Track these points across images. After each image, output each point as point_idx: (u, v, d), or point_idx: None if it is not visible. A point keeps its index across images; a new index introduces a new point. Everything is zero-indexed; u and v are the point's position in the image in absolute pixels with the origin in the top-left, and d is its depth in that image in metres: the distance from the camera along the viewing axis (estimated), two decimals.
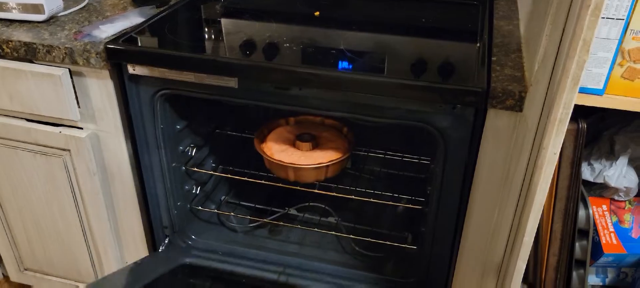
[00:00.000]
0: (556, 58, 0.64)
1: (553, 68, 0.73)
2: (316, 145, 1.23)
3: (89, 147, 1.13)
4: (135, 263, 1.15)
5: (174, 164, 1.20)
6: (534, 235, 0.69)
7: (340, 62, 0.97)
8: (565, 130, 0.59)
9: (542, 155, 0.62)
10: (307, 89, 0.96)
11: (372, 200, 1.21)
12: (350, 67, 0.96)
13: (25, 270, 1.49)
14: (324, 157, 1.18)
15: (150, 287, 1.08)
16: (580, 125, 0.91)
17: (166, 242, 1.27)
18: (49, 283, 1.50)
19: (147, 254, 1.30)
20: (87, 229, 1.29)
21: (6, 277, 1.59)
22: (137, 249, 1.32)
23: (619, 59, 0.80)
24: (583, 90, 0.83)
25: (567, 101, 0.57)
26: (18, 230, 1.39)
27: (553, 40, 0.68)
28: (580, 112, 0.91)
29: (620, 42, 0.79)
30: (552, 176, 0.64)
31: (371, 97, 0.93)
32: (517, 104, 0.86)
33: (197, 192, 1.34)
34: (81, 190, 1.21)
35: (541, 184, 0.63)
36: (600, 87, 0.82)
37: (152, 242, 1.29)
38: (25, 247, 1.42)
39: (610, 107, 0.83)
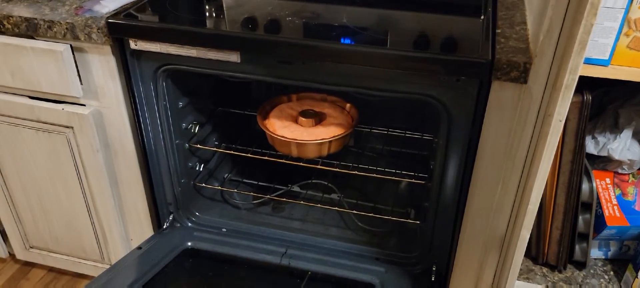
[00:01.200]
0: (562, 26, 0.63)
1: (559, 37, 0.72)
2: (319, 121, 1.22)
3: (92, 124, 1.13)
4: (141, 249, 1.15)
5: (177, 141, 1.20)
6: (538, 204, 0.69)
7: (342, 37, 0.97)
8: (571, 96, 0.59)
9: (547, 123, 0.62)
10: (310, 62, 0.95)
11: (374, 175, 1.21)
12: (353, 41, 0.95)
13: (31, 247, 1.50)
14: (327, 133, 1.18)
15: (157, 277, 1.08)
16: (585, 97, 0.91)
17: (170, 218, 1.28)
18: (55, 260, 1.51)
19: (152, 231, 1.31)
20: (91, 206, 1.30)
21: (12, 255, 1.60)
22: (141, 226, 1.32)
23: (625, 29, 0.79)
24: (588, 61, 0.82)
25: (574, 66, 0.57)
26: (23, 208, 1.40)
27: (559, 8, 0.68)
28: (585, 85, 0.91)
29: (627, 11, 0.78)
30: (557, 145, 0.63)
31: (374, 70, 0.92)
32: (521, 76, 0.86)
33: (201, 169, 1.35)
34: (85, 168, 1.22)
35: (546, 152, 0.63)
36: (606, 57, 0.81)
37: (157, 218, 1.30)
38: (30, 224, 1.43)
39: (616, 78, 0.83)
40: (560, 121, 0.61)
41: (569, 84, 0.58)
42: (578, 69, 0.57)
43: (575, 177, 1.00)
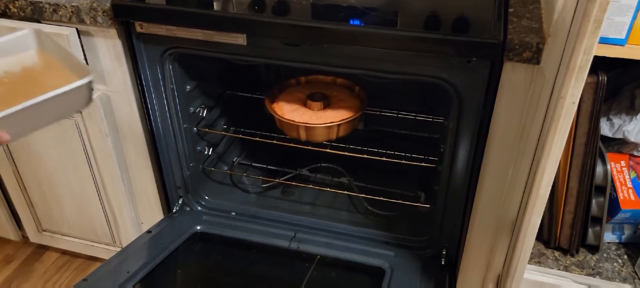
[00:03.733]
0: (577, 4, 0.61)
1: (573, 16, 0.70)
2: (327, 104, 1.21)
3: (100, 108, 1.13)
4: (151, 233, 1.16)
5: (185, 125, 1.20)
6: (550, 189, 0.67)
7: (351, 18, 0.95)
8: (585, 77, 0.57)
9: (560, 105, 0.60)
10: (317, 44, 0.93)
11: (384, 159, 1.20)
12: (361, 22, 0.93)
13: (44, 231, 1.52)
14: (336, 116, 1.16)
15: (167, 261, 1.09)
16: (600, 78, 0.88)
17: (180, 202, 1.28)
18: (67, 243, 1.53)
19: (162, 215, 1.32)
20: (101, 190, 1.30)
21: (25, 238, 1.63)
22: (151, 209, 1.33)
23: None
24: (604, 41, 0.79)
25: (588, 46, 0.54)
26: (35, 193, 1.41)
27: None
28: (600, 65, 0.88)
29: None
30: (569, 128, 0.61)
31: (384, 52, 0.90)
32: (534, 56, 0.83)
33: (209, 153, 1.34)
34: (94, 152, 1.22)
35: (558, 135, 0.61)
36: (623, 36, 0.79)
37: (166, 202, 1.30)
38: (42, 208, 1.45)
39: (633, 58, 0.80)
40: (574, 103, 0.59)
41: (583, 64, 0.56)
42: (593, 49, 0.55)
43: (589, 159, 0.98)
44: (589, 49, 0.55)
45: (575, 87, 0.58)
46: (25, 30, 0.82)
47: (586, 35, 0.54)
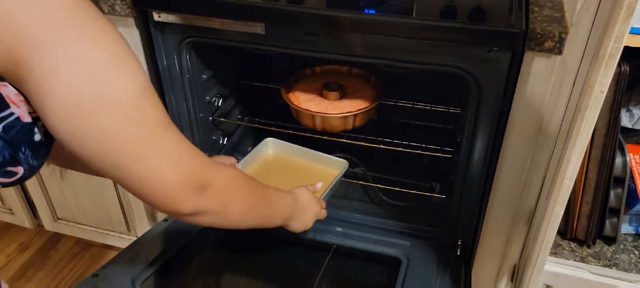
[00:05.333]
0: None
1: (599, 4, 0.69)
2: (343, 94, 1.21)
3: None
4: (167, 221, 1.16)
5: (201, 114, 1.20)
6: (574, 179, 0.67)
7: (366, 7, 0.94)
8: (614, 66, 0.56)
9: (587, 94, 0.60)
10: (337, 33, 0.93)
11: (400, 149, 1.20)
12: (379, 11, 0.92)
13: (59, 219, 1.54)
14: (352, 106, 1.16)
15: (184, 250, 1.09)
16: (623, 68, 0.87)
17: None
18: (82, 232, 1.54)
19: None
20: None
21: (40, 227, 1.64)
22: None
23: None
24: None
25: (619, 34, 0.54)
26: (50, 181, 1.42)
27: None
28: (621, 55, 0.87)
29: None
30: (596, 117, 0.61)
31: (405, 41, 0.90)
32: (556, 46, 0.83)
33: (224, 143, 1.35)
34: None
35: (585, 125, 0.61)
36: None
37: None
38: (58, 197, 1.46)
39: None
40: (602, 92, 0.58)
41: (613, 52, 0.56)
42: (624, 36, 0.54)
43: (608, 150, 0.98)
44: (620, 37, 0.54)
45: (604, 75, 0.57)
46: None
47: (618, 22, 0.53)
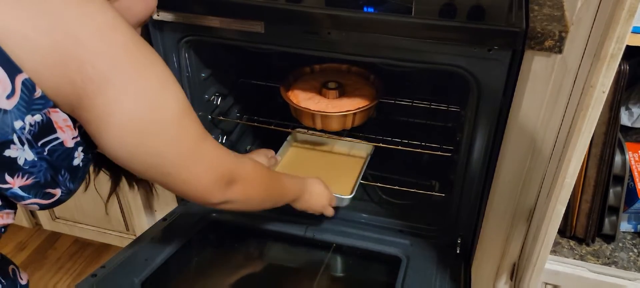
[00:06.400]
0: None
1: (599, 3, 0.69)
2: (343, 93, 1.21)
3: None
4: (166, 221, 1.16)
5: (200, 113, 1.20)
6: (575, 178, 0.67)
7: (365, 6, 0.94)
8: (616, 66, 0.56)
9: (588, 94, 0.60)
10: (336, 32, 0.93)
11: (399, 148, 1.20)
12: (378, 10, 0.92)
13: (57, 218, 1.53)
14: (351, 105, 1.16)
15: (183, 249, 1.09)
16: (622, 67, 0.88)
17: None
18: (81, 231, 1.54)
19: (176, 203, 1.32)
20: None
21: (38, 226, 1.64)
22: (165, 197, 1.33)
23: None
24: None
25: (621, 34, 0.54)
26: None
27: None
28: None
29: None
30: (598, 117, 0.61)
31: (405, 40, 0.90)
32: (556, 45, 0.82)
33: (223, 141, 1.34)
34: None
35: (586, 124, 0.61)
36: None
37: None
38: None
39: None
40: (604, 92, 0.58)
41: (615, 53, 0.56)
42: (626, 37, 0.54)
43: (608, 149, 0.98)
44: (621, 38, 0.54)
45: (606, 76, 0.57)
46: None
47: (620, 23, 0.53)
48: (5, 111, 0.49)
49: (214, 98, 1.27)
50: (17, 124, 0.51)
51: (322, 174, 1.09)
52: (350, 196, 1.13)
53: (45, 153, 0.55)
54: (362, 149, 1.29)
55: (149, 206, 1.37)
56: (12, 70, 0.48)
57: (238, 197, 0.74)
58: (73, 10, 0.51)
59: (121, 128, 0.55)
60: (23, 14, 0.49)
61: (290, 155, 1.31)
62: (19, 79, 0.49)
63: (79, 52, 0.51)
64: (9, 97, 0.49)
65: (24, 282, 0.69)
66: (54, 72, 0.51)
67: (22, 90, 0.50)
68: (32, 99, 0.51)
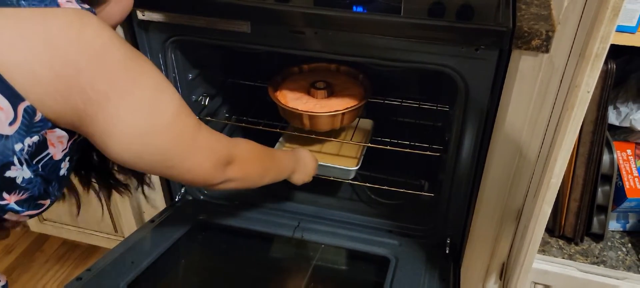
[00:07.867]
0: None
1: (585, 3, 0.69)
2: (331, 92, 1.20)
3: None
4: (153, 222, 1.15)
5: None
6: (562, 178, 0.67)
7: (354, 5, 0.93)
8: (601, 66, 0.56)
9: (573, 94, 0.59)
10: (322, 32, 0.92)
11: (388, 148, 1.19)
12: (366, 9, 0.92)
13: (45, 220, 1.51)
14: (340, 105, 1.15)
15: (171, 250, 1.08)
16: (609, 66, 0.87)
17: (182, 191, 1.27)
18: (69, 232, 1.52)
19: (164, 204, 1.31)
20: None
21: (26, 228, 1.62)
22: (154, 199, 1.32)
23: None
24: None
25: (605, 34, 0.54)
26: None
27: None
28: (608, 53, 0.87)
29: None
30: (583, 117, 0.61)
31: (393, 40, 0.89)
32: (543, 44, 0.82)
33: None
34: None
35: (572, 124, 0.61)
36: (634, 24, 0.78)
37: (169, 191, 1.29)
38: None
39: None
40: (588, 92, 0.58)
41: (599, 53, 0.55)
42: (610, 37, 0.54)
43: (596, 148, 0.98)
44: (606, 37, 0.54)
45: (590, 75, 0.57)
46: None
47: (604, 22, 0.53)
48: (7, 137, 0.52)
49: (202, 99, 1.25)
50: (17, 146, 0.53)
51: (326, 158, 1.18)
52: (356, 168, 1.18)
53: (39, 170, 0.58)
54: (365, 124, 1.33)
55: (137, 208, 1.36)
56: (16, 100, 0.51)
57: (237, 175, 0.79)
58: (73, 38, 0.53)
59: (124, 136, 0.59)
60: (25, 45, 0.51)
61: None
62: (21, 107, 0.52)
63: (79, 79, 0.53)
64: (11, 123, 0.52)
65: (2, 282, 0.71)
66: (57, 98, 0.53)
67: (23, 116, 0.52)
68: (32, 122, 0.53)
